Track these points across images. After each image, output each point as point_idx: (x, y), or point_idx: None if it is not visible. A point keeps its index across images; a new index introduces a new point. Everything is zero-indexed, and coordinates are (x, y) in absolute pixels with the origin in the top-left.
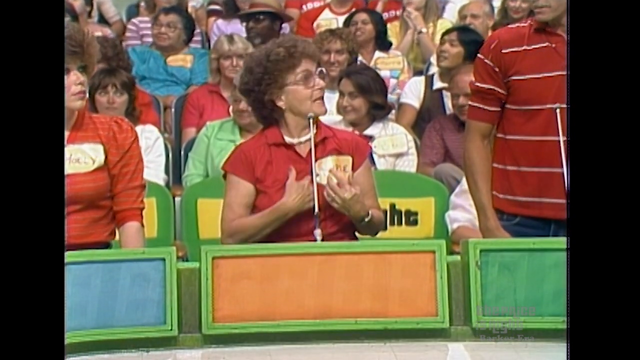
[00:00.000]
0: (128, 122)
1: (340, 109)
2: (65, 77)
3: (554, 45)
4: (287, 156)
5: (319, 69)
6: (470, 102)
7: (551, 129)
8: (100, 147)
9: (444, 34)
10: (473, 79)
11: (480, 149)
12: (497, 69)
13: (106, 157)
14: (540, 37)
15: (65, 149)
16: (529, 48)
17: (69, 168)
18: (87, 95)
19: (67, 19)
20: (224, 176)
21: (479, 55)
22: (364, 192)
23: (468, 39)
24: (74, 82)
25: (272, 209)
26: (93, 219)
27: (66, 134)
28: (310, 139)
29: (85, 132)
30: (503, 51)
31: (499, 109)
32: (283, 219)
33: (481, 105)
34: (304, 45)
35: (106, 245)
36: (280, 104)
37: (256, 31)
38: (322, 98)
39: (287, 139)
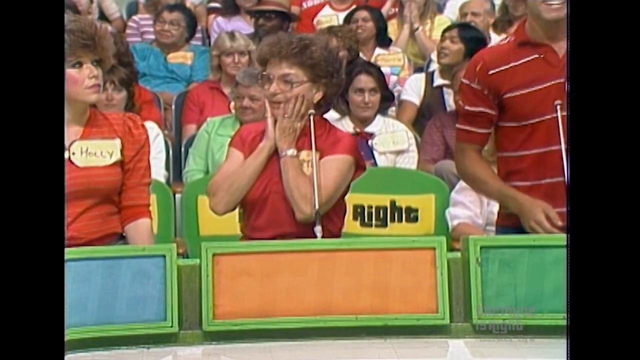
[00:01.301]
0: (140, 119)
1: (356, 106)
2: (78, 70)
3: (542, 55)
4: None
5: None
6: (459, 126)
7: (554, 139)
8: (117, 142)
9: (444, 31)
10: (460, 103)
11: (479, 160)
12: (485, 92)
13: (122, 152)
14: (526, 51)
15: (82, 143)
16: (516, 64)
17: (87, 161)
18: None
19: (68, 15)
20: None
21: (463, 80)
22: (319, 182)
23: (469, 35)
24: (87, 75)
25: (252, 154)
26: (109, 212)
27: (80, 130)
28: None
29: (100, 128)
30: (490, 72)
31: (489, 130)
32: (263, 158)
33: (472, 129)
34: (271, 49)
35: (122, 237)
36: None
37: (265, 29)
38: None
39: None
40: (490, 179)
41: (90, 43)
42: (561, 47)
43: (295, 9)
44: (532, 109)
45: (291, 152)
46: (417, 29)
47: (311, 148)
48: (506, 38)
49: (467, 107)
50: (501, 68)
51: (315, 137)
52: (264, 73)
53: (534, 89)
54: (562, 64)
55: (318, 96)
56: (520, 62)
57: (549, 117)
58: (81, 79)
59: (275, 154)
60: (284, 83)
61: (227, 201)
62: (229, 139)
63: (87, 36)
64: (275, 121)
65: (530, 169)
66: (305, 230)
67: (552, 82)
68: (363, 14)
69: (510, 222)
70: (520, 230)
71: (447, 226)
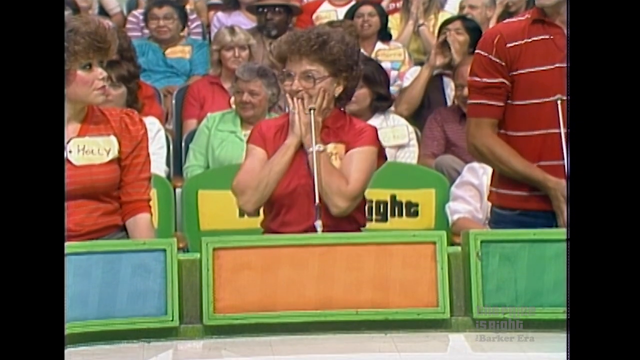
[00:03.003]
0: (138, 114)
1: None
2: (88, 72)
3: (552, 37)
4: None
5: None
6: (473, 101)
7: (555, 122)
8: (114, 139)
9: (445, 24)
10: (475, 77)
11: (496, 137)
12: (503, 64)
13: (119, 149)
14: (538, 29)
15: (79, 141)
16: (529, 40)
17: (83, 159)
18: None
19: (68, 12)
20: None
21: (480, 52)
22: (344, 171)
23: (472, 26)
24: (97, 77)
25: (280, 151)
26: (109, 207)
27: (77, 127)
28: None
29: (97, 125)
30: (508, 45)
31: (504, 103)
32: (291, 155)
33: (488, 102)
34: (291, 47)
35: (123, 229)
36: None
37: (274, 23)
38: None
39: None
40: (512, 158)
41: (104, 46)
42: None
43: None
44: (537, 89)
45: (319, 147)
46: (422, 24)
47: (335, 141)
48: (523, 15)
49: (485, 80)
50: (517, 42)
51: (337, 130)
52: (284, 70)
53: (540, 68)
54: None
55: (339, 90)
56: (531, 39)
57: (551, 99)
58: (91, 81)
59: (299, 149)
60: (305, 79)
61: (257, 199)
62: (246, 137)
63: (102, 39)
64: (299, 117)
65: (531, 150)
66: (336, 222)
67: (557, 65)
68: (368, 9)
69: (505, 202)
70: (513, 210)
71: (447, 221)
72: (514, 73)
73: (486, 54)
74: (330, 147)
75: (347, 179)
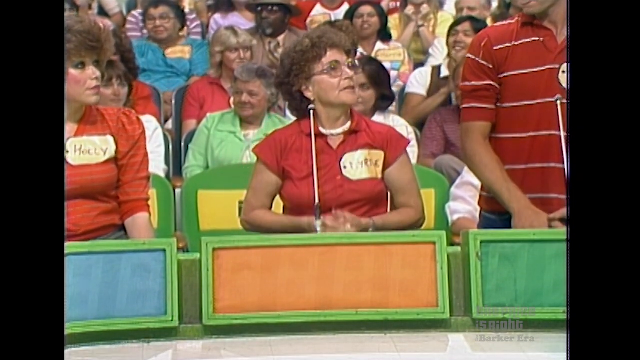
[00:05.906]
0: (135, 114)
1: None
2: (81, 71)
3: (542, 39)
4: (318, 146)
5: (349, 59)
6: (465, 105)
7: (543, 124)
8: (110, 139)
9: (454, 26)
10: (465, 82)
11: (486, 146)
12: (490, 66)
13: (116, 148)
14: (528, 32)
15: (76, 141)
16: (517, 43)
17: (80, 159)
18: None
19: (67, 13)
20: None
21: (469, 55)
22: (397, 188)
23: (481, 27)
24: (90, 76)
25: (294, 220)
26: (106, 207)
27: (74, 127)
28: (344, 131)
29: (94, 125)
30: (494, 48)
31: (494, 106)
32: (299, 231)
33: (479, 105)
34: (331, 35)
35: (122, 228)
36: (309, 94)
37: (269, 21)
38: (351, 87)
39: (321, 130)
40: (490, 171)
41: (97, 45)
42: (561, 34)
43: None
44: (525, 91)
45: (372, 228)
46: (422, 25)
47: (367, 146)
48: (514, 17)
49: (473, 82)
50: (504, 45)
51: (362, 132)
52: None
53: (528, 71)
54: (559, 51)
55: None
56: (520, 42)
57: (540, 101)
58: (83, 80)
59: (323, 154)
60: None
61: (257, 232)
62: (246, 137)
63: (94, 38)
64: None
65: (520, 152)
66: None
67: (546, 67)
68: (368, 9)
69: (493, 207)
70: (502, 215)
71: (447, 221)
72: (502, 75)
73: (474, 57)
74: (364, 153)
75: (408, 204)
